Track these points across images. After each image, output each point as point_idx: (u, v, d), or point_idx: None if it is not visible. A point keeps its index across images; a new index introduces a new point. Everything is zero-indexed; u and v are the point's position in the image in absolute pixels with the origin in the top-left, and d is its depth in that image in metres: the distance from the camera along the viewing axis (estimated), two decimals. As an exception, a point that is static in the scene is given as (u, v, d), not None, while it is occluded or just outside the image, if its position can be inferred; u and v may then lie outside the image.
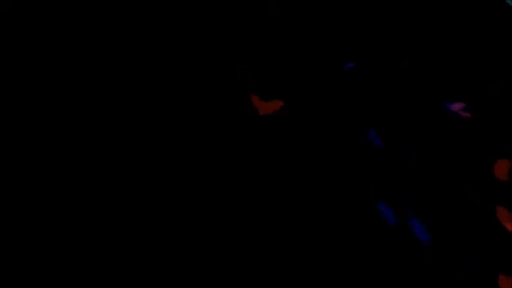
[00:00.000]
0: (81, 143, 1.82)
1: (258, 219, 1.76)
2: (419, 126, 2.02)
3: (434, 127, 2.02)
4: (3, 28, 1.96)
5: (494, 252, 1.74)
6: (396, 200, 1.85)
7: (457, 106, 2.06)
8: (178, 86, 2.00)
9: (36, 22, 1.99)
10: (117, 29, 2.05)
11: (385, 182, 1.89)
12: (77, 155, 1.80)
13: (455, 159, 1.94)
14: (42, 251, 1.63)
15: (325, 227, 1.78)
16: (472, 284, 1.69)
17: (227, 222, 1.75)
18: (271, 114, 1.99)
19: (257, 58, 2.11)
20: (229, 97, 2.00)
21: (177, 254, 1.67)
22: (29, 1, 2.01)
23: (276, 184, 1.84)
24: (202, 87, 2.02)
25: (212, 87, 2.02)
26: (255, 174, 1.85)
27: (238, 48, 2.12)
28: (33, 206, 1.69)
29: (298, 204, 1.81)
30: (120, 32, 2.05)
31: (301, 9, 2.25)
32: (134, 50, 2.04)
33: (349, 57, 2.17)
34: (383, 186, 1.88)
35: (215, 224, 1.74)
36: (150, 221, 1.72)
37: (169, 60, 2.05)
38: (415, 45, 2.23)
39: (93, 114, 1.88)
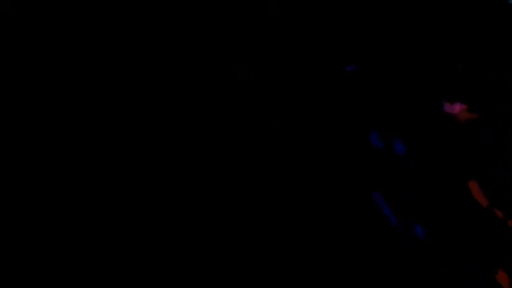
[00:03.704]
0: (81, 142, 1.82)
1: (258, 220, 1.76)
2: (419, 127, 2.02)
3: (434, 128, 2.02)
4: (3, 28, 1.97)
5: (495, 249, 1.73)
6: (397, 201, 1.85)
7: (456, 107, 2.06)
8: (178, 86, 2.01)
9: (36, 22, 2.00)
10: (117, 29, 2.06)
11: (386, 183, 1.89)
12: (77, 154, 1.80)
13: (455, 160, 1.94)
14: (42, 250, 1.63)
15: (326, 227, 1.78)
16: (471, 282, 1.68)
17: (227, 221, 1.75)
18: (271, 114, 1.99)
19: (257, 58, 2.11)
20: (229, 98, 2.00)
21: (177, 254, 1.67)
22: (29, 1, 2.02)
23: (276, 185, 1.84)
24: (201, 87, 2.02)
25: (212, 88, 2.02)
26: (256, 174, 1.85)
27: (238, 48, 2.13)
28: (33, 205, 1.69)
29: (299, 205, 1.81)
30: (120, 32, 2.06)
31: (302, 9, 2.25)
32: (134, 50, 2.04)
33: (349, 58, 2.18)
34: (384, 187, 1.88)
35: (215, 224, 1.74)
36: (149, 221, 1.72)
37: (168, 60, 2.06)
38: (414, 45, 2.23)
39: (93, 114, 1.89)
